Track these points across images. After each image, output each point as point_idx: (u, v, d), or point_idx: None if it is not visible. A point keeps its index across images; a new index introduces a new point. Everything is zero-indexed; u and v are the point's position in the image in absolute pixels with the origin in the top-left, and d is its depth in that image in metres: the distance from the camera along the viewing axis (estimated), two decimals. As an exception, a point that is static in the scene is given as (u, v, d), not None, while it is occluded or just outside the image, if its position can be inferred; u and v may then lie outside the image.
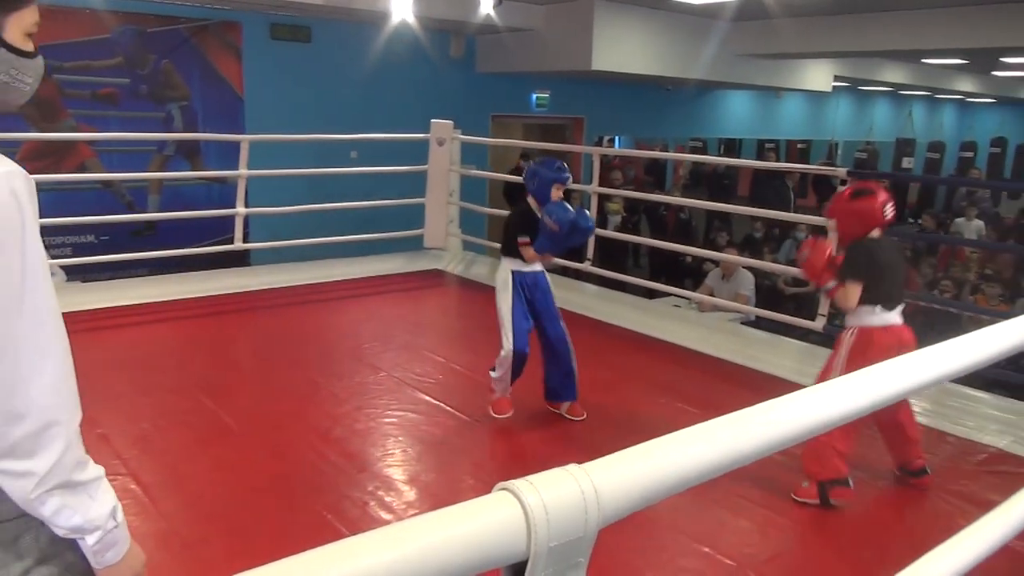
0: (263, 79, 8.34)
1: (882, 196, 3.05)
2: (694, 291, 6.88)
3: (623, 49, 9.11)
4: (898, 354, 1.42)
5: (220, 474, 3.15)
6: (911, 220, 13.50)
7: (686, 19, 9.42)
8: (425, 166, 6.95)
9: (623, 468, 0.95)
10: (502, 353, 3.63)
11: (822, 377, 3.09)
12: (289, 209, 6.50)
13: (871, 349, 2.91)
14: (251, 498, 2.97)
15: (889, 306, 3.03)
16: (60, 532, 1.11)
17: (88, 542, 1.12)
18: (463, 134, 7.00)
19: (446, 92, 9.55)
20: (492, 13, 8.26)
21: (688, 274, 8.78)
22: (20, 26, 1.15)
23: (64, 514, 1.08)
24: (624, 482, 0.93)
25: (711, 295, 6.68)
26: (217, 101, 8.10)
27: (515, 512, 0.86)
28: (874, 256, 3.03)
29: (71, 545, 1.14)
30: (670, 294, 6.70)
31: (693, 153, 13.86)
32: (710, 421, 1.07)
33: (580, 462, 0.94)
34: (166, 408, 3.69)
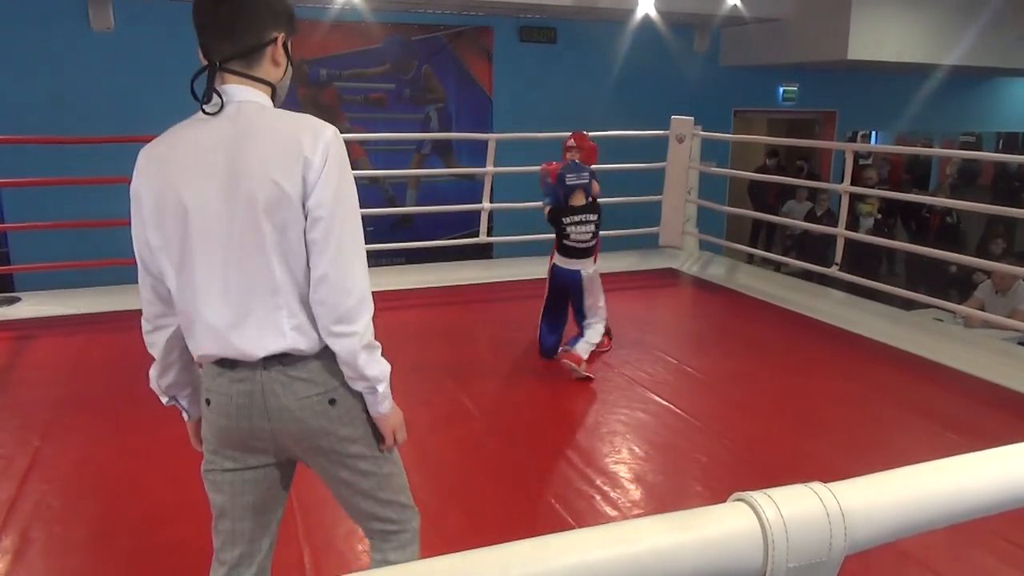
0: (511, 80, 8.75)
1: None
2: (960, 304, 6.15)
3: (884, 36, 8.36)
4: None
5: (459, 454, 3.38)
6: None
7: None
8: (664, 163, 6.88)
9: (874, 492, 0.89)
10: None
11: None
12: (530, 205, 6.76)
13: None
14: (486, 480, 3.15)
15: None
16: (360, 385, 1.56)
17: (379, 389, 1.57)
18: (704, 130, 6.83)
19: (687, 87, 9.37)
20: (739, 4, 7.97)
21: (953, 285, 7.86)
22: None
23: (370, 366, 1.53)
24: (875, 508, 0.87)
25: (981, 309, 5.93)
26: (469, 102, 8.65)
27: (752, 525, 0.84)
28: None
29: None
30: (931, 306, 6.04)
31: (964, 149, 12.33)
32: (982, 452, 0.97)
33: (820, 480, 0.89)
34: (413, 387, 4.02)
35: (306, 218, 1.46)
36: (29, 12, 6.99)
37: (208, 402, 1.58)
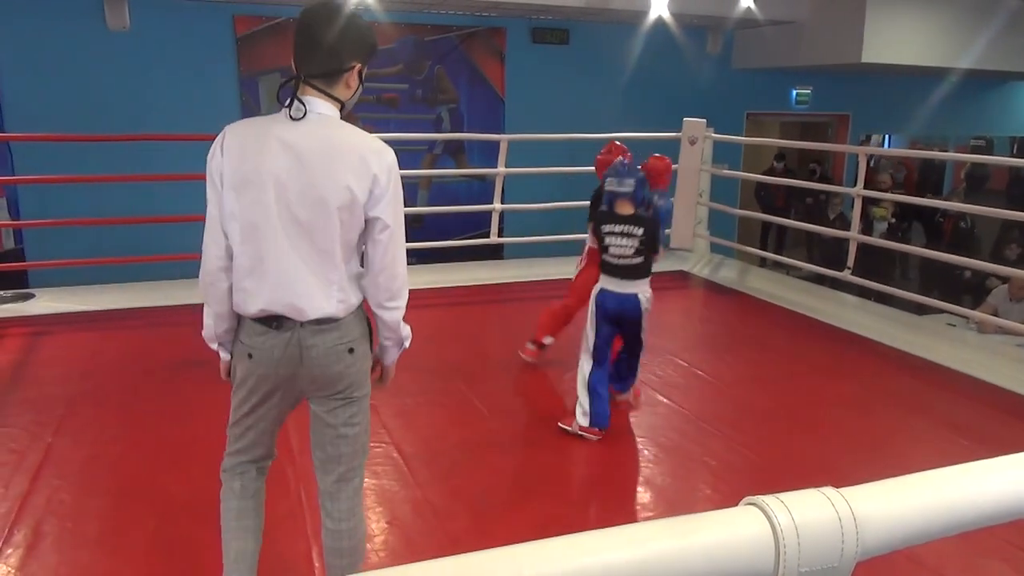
0: (523, 81, 8.75)
1: None
2: (974, 309, 6.10)
3: (898, 38, 8.31)
4: None
5: (468, 454, 3.39)
6: None
7: (973, 1, 8.36)
8: (675, 165, 6.86)
9: (887, 498, 0.89)
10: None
11: None
12: (540, 206, 6.77)
13: None
14: (495, 481, 3.15)
15: None
16: (392, 342, 2.04)
17: (406, 345, 2.07)
18: (716, 133, 6.81)
19: (700, 89, 9.35)
20: (753, 6, 7.95)
21: (967, 290, 7.81)
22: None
23: (404, 329, 2.03)
24: (888, 514, 0.87)
25: (995, 315, 5.88)
26: (481, 103, 8.66)
27: (763, 529, 0.84)
28: None
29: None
30: (944, 311, 6.01)
31: (974, 153, 12.24)
32: (995, 459, 0.97)
33: (830, 484, 0.89)
34: (425, 386, 4.03)
35: (366, 220, 1.85)
36: (46, 11, 7.05)
37: (250, 356, 1.91)
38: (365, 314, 1.99)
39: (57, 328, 4.93)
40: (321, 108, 1.84)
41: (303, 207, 1.79)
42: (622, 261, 3.42)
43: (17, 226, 7.11)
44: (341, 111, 1.90)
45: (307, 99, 1.83)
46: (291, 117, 1.81)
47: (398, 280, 1.92)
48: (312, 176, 1.78)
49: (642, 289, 3.47)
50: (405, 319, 2.00)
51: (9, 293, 5.44)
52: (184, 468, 3.11)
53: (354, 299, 1.91)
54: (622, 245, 3.40)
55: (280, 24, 7.80)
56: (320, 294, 1.85)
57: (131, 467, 3.18)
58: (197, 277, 1.96)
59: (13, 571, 2.47)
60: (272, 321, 1.87)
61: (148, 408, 3.75)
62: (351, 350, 1.92)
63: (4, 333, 4.79)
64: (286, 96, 1.83)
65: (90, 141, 6.40)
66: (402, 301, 1.96)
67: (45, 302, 5.35)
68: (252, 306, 1.87)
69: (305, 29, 1.84)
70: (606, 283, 3.48)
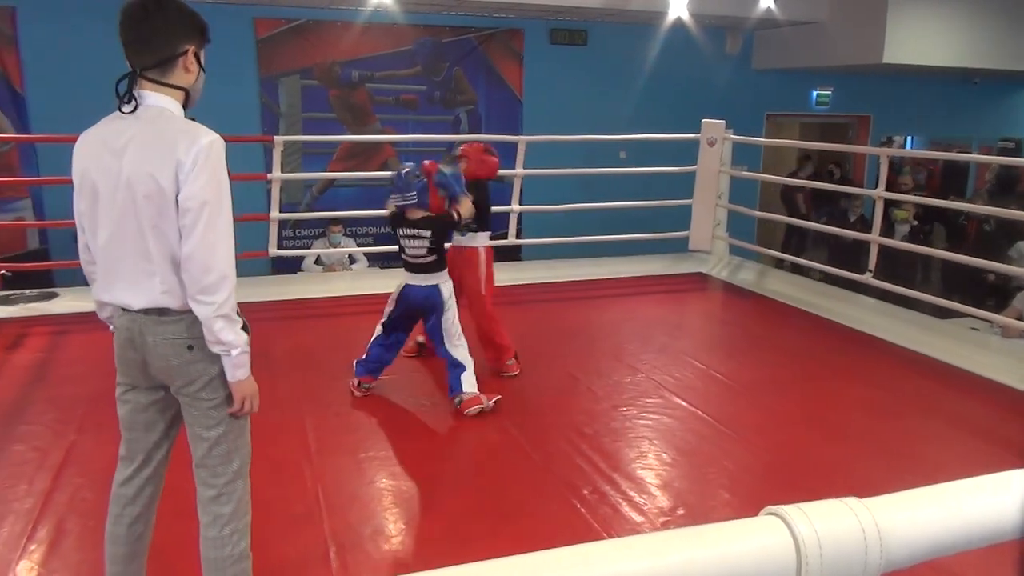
0: (541, 82, 8.75)
1: None
2: (998, 313, 6.02)
3: (921, 38, 8.22)
4: None
5: (485, 457, 3.39)
6: None
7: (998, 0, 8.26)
8: (694, 167, 6.83)
9: (912, 509, 0.87)
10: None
11: None
12: (559, 208, 6.76)
13: None
14: (510, 483, 3.15)
15: None
16: (217, 348, 1.88)
17: (232, 354, 1.88)
18: (735, 134, 6.77)
19: (719, 91, 9.31)
20: (773, 6, 7.90)
21: (991, 294, 7.70)
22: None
23: (224, 332, 1.86)
24: (913, 526, 0.86)
25: (1019, 319, 5.80)
26: (499, 105, 8.66)
27: (785, 540, 0.83)
28: None
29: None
30: (967, 315, 5.93)
31: (1002, 155, 12.07)
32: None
33: (849, 491, 0.88)
34: (441, 389, 4.02)
35: (179, 208, 1.81)
36: (69, 14, 7.13)
37: (113, 331, 2.02)
38: None
39: (80, 327, 4.98)
40: (156, 101, 1.87)
41: (121, 203, 1.84)
42: (417, 260, 3.79)
43: (42, 226, 7.20)
44: (187, 99, 1.93)
45: (141, 93, 1.87)
46: (121, 111, 1.85)
47: (212, 274, 1.82)
48: (123, 169, 1.82)
49: (442, 280, 3.83)
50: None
51: (34, 292, 5.51)
52: (204, 467, 3.14)
53: None
54: (415, 247, 3.76)
55: (300, 26, 7.84)
56: (143, 286, 1.88)
57: (152, 466, 3.21)
58: None
59: (36, 567, 2.50)
60: (122, 309, 1.95)
61: (168, 407, 3.78)
62: (190, 347, 1.90)
63: (28, 332, 4.85)
64: (122, 91, 1.87)
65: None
66: (218, 298, 1.83)
67: (68, 301, 5.42)
68: (96, 296, 2.02)
69: (128, 24, 1.86)
70: (409, 279, 3.84)
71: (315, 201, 7.95)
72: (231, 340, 1.88)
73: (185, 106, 1.94)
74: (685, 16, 7.81)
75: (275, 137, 5.81)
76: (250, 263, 5.09)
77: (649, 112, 8.88)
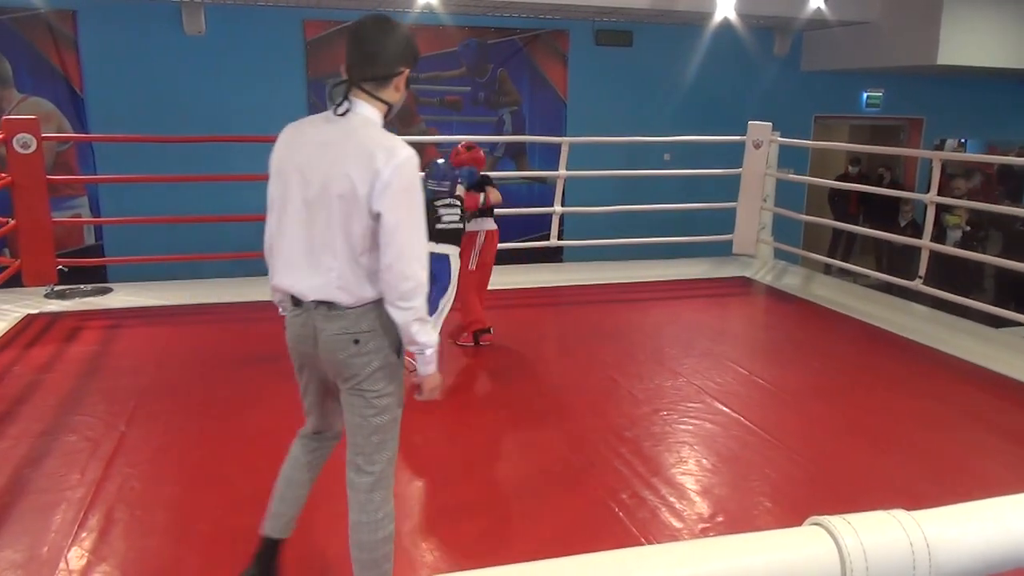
0: (585, 84, 8.72)
1: None
2: (1055, 322, 5.81)
3: (977, 39, 7.98)
4: None
5: (525, 458, 3.39)
6: None
7: (1062, 1, 7.99)
8: (739, 169, 6.75)
9: (962, 524, 0.85)
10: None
11: None
12: (601, 209, 6.74)
13: None
14: (545, 484, 3.15)
15: None
16: (412, 348, 2.03)
17: (426, 353, 2.05)
18: (782, 136, 6.67)
19: (766, 92, 9.17)
20: (823, 7, 7.75)
21: (1048, 302, 7.44)
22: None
23: (420, 334, 2.01)
24: (963, 540, 0.83)
25: (1079, 329, 5.59)
26: (543, 106, 8.65)
27: (829, 551, 0.82)
28: None
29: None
30: (1022, 324, 5.75)
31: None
32: (1078, 488, 0.92)
33: (898, 506, 0.86)
34: (485, 388, 4.05)
35: (371, 216, 1.92)
36: (127, 18, 7.34)
37: (286, 328, 2.11)
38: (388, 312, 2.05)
39: (133, 321, 5.12)
40: (364, 110, 2.03)
41: (311, 194, 1.97)
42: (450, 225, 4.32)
43: (97, 223, 7.41)
44: (388, 113, 2.08)
45: (354, 101, 2.02)
46: (336, 114, 2.00)
47: (409, 281, 1.94)
48: (323, 165, 1.95)
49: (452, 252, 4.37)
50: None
51: (89, 287, 5.69)
52: (249, 460, 3.20)
53: (367, 293, 1.98)
54: (452, 215, 4.34)
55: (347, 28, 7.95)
56: (321, 280, 1.98)
57: (198, 458, 3.29)
58: (266, 274, 2.14)
59: (86, 554, 2.58)
60: (293, 298, 2.06)
61: (216, 400, 3.87)
62: (356, 341, 2.00)
63: (83, 325, 5.00)
64: (338, 97, 2.02)
65: (166, 142, 6.63)
66: (415, 303, 1.97)
67: (122, 296, 5.58)
68: (272, 280, 2.11)
69: (358, 40, 2.05)
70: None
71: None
72: (425, 341, 2.03)
73: (384, 118, 2.09)
74: (733, 17, 7.71)
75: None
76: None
77: (694, 114, 8.79)
